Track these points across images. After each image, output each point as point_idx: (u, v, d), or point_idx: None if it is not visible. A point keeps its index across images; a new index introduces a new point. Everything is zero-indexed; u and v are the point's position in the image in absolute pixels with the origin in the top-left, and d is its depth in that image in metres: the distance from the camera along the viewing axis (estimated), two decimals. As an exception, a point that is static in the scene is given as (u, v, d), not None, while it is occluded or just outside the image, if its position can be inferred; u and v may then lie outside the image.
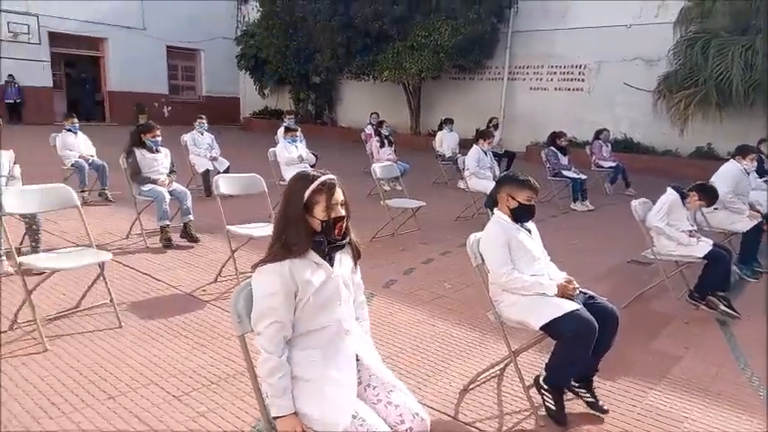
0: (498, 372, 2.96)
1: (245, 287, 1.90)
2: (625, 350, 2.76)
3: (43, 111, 16.59)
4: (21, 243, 4.54)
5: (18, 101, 16.47)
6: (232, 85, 21.15)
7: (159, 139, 5.51)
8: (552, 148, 8.45)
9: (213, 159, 7.93)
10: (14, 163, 4.62)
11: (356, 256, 2.04)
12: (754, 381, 3.21)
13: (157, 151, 5.51)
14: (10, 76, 16.20)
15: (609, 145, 9.90)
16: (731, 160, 5.48)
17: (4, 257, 4.22)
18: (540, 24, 14.19)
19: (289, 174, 6.34)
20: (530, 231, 2.82)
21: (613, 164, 9.52)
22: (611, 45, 13.07)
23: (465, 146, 8.75)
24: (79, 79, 19.39)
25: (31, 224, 4.40)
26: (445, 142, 10.04)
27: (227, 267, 4.40)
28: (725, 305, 4.17)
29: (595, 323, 2.48)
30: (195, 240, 5.42)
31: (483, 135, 7.34)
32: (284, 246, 1.84)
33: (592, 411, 2.73)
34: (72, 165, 7.15)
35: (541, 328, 2.58)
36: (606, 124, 11.11)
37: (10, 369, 2.90)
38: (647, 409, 2.83)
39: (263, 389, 1.86)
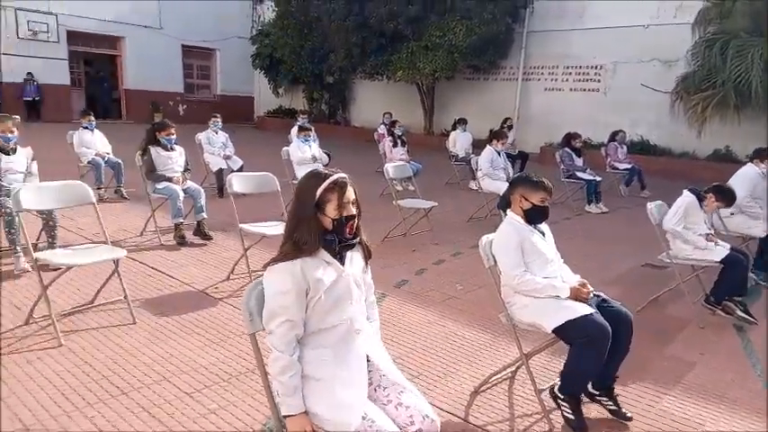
0: (510, 374, 2.94)
1: (257, 285, 1.90)
2: (639, 355, 2.72)
3: (61, 108, 16.82)
4: (37, 239, 4.61)
5: (37, 98, 16.71)
6: (246, 84, 21.27)
7: (174, 137, 5.56)
8: (567, 149, 8.37)
9: (227, 158, 7.98)
10: (32, 160, 4.69)
11: (367, 255, 2.04)
12: (772, 388, 3.16)
13: (172, 149, 5.56)
14: (29, 74, 16.45)
15: (625, 147, 9.80)
16: (749, 163, 5.40)
17: (21, 254, 4.29)
18: (556, 24, 14.09)
19: (301, 173, 6.36)
20: (543, 233, 2.79)
21: (629, 166, 9.41)
22: (628, 45, 12.93)
23: (478, 146, 8.71)
24: (97, 77, 19.64)
25: (48, 220, 4.46)
26: (458, 142, 10.00)
27: (239, 265, 4.42)
28: (741, 310, 4.10)
29: (609, 328, 2.45)
30: (208, 238, 5.46)
31: (496, 135, 7.30)
32: (295, 244, 1.84)
33: (612, 418, 2.68)
34: (88, 162, 7.25)
35: (554, 331, 2.55)
36: (622, 126, 11.00)
37: (25, 363, 2.94)
38: (661, 415, 2.80)
39: (274, 387, 1.86)
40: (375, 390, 1.92)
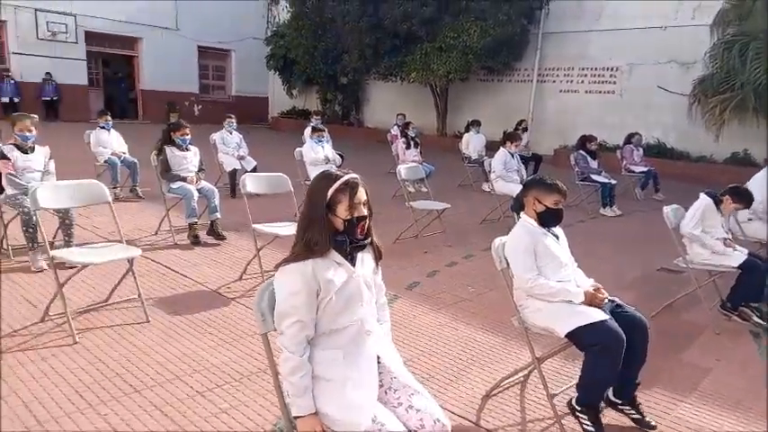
0: (522, 378, 2.91)
1: (269, 286, 1.91)
2: (654, 361, 2.69)
3: (79, 108, 17.03)
4: (54, 237, 4.67)
5: (55, 98, 16.95)
6: (261, 84, 21.38)
7: (188, 137, 5.60)
8: (581, 151, 8.30)
9: (241, 158, 8.03)
10: (50, 159, 4.76)
11: (378, 256, 2.03)
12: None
13: (187, 149, 5.61)
14: (47, 74, 16.69)
15: (641, 149, 9.68)
16: (766, 167, 5.31)
17: (38, 251, 4.34)
18: (572, 26, 13.99)
19: (314, 173, 6.31)
20: (557, 236, 2.76)
21: (645, 169, 9.29)
22: (645, 47, 12.80)
23: (492, 148, 8.66)
24: (115, 78, 19.88)
25: (65, 219, 4.52)
26: (471, 144, 9.96)
27: (252, 265, 4.45)
28: (758, 317, 4.04)
29: (623, 335, 2.41)
30: (222, 238, 5.50)
31: (510, 137, 7.26)
32: (306, 245, 1.84)
33: (635, 427, 2.65)
34: (105, 161, 7.33)
35: (567, 336, 2.52)
36: (638, 128, 10.86)
37: (40, 360, 2.98)
38: (676, 422, 2.76)
39: (285, 388, 1.87)
40: (386, 392, 1.91)
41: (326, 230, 1.85)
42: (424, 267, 5.09)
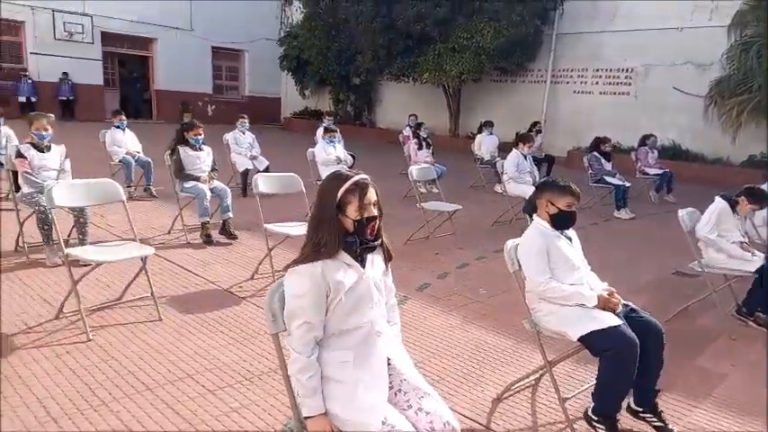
0: (533, 382, 2.89)
1: (280, 286, 1.91)
2: (668, 366, 2.65)
3: (95, 108, 17.23)
4: (69, 235, 4.72)
5: (71, 98, 17.16)
6: (274, 85, 21.47)
7: (202, 137, 5.64)
8: (595, 153, 8.24)
9: (253, 158, 8.07)
10: (65, 158, 4.81)
11: (388, 258, 2.03)
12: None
13: (200, 149, 5.64)
14: (64, 73, 16.91)
15: (656, 151, 9.58)
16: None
17: (54, 247, 4.40)
18: (586, 27, 13.89)
19: (326, 174, 6.35)
20: (570, 239, 2.74)
21: (660, 171, 9.19)
22: (661, 48, 12.66)
23: (505, 149, 8.62)
24: (130, 78, 20.08)
25: (80, 217, 4.56)
26: (484, 145, 9.92)
27: (263, 265, 4.46)
28: (776, 322, 3.97)
29: (636, 340, 2.38)
30: (233, 237, 5.52)
31: (523, 139, 7.21)
32: (316, 246, 1.85)
33: None
34: (119, 161, 7.41)
35: (579, 340, 2.49)
36: (653, 130, 10.73)
37: (54, 357, 3.01)
38: (690, 428, 2.72)
39: (294, 388, 1.87)
40: (395, 394, 1.91)
41: (336, 231, 1.85)
42: (435, 269, 5.07)
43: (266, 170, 7.61)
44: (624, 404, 2.57)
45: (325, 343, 1.88)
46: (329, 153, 7.06)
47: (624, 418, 2.63)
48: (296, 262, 1.86)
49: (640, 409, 2.62)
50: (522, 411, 2.79)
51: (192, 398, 2.71)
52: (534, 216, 2.77)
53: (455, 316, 4.00)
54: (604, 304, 2.54)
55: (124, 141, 7.61)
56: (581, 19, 13.92)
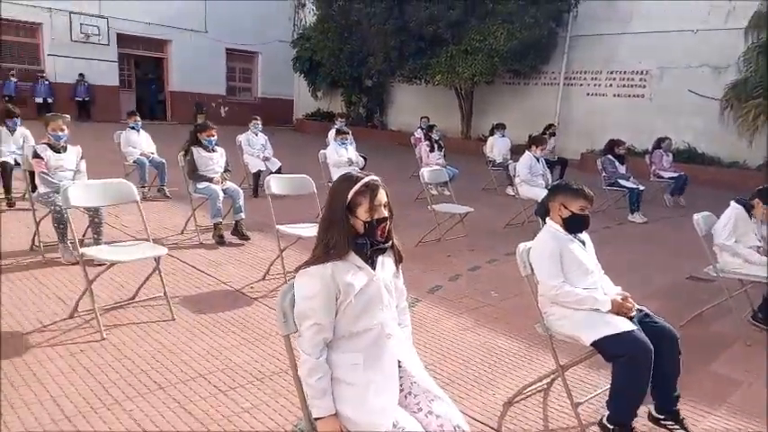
0: (545, 386, 2.87)
1: (292, 288, 1.91)
2: (682, 372, 2.62)
3: (110, 109, 17.44)
4: (84, 235, 4.78)
5: (87, 99, 17.37)
6: (286, 86, 21.59)
7: (215, 138, 5.68)
8: (609, 156, 8.17)
9: (266, 160, 8.11)
10: (81, 158, 4.87)
11: (398, 260, 2.03)
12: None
13: (213, 150, 5.68)
14: (80, 75, 17.13)
15: (670, 155, 9.47)
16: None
17: (69, 246, 4.45)
18: (600, 29, 13.79)
19: (337, 175, 6.39)
20: (583, 243, 2.71)
21: (674, 174, 9.09)
22: (676, 51, 12.55)
23: (517, 152, 8.59)
24: (145, 79, 20.30)
25: (94, 217, 4.61)
26: (496, 148, 9.88)
27: (275, 266, 4.48)
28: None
29: (651, 346, 2.34)
30: (246, 238, 5.55)
31: (535, 141, 7.17)
32: (326, 247, 1.85)
33: None
34: (134, 161, 7.48)
35: (592, 345, 2.47)
36: (668, 133, 10.61)
37: (68, 356, 3.05)
38: (704, 436, 2.69)
39: (305, 389, 1.87)
40: (405, 397, 1.90)
41: (346, 232, 1.85)
42: (447, 271, 5.06)
43: (278, 171, 7.64)
44: (641, 411, 2.54)
45: (336, 345, 1.88)
46: (341, 155, 7.08)
47: (646, 427, 2.60)
48: (307, 263, 1.87)
49: (662, 417, 2.58)
50: (534, 416, 2.77)
51: (204, 397, 2.73)
52: (547, 219, 2.74)
53: (466, 319, 3.98)
54: (618, 309, 2.51)
55: (139, 142, 7.68)
56: (595, 21, 13.84)
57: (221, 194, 5.47)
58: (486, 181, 9.57)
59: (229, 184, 5.66)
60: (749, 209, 4.07)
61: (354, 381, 1.83)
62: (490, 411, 2.78)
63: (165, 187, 7.53)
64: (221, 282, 4.41)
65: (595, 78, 14.32)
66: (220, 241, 5.41)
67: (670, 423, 2.57)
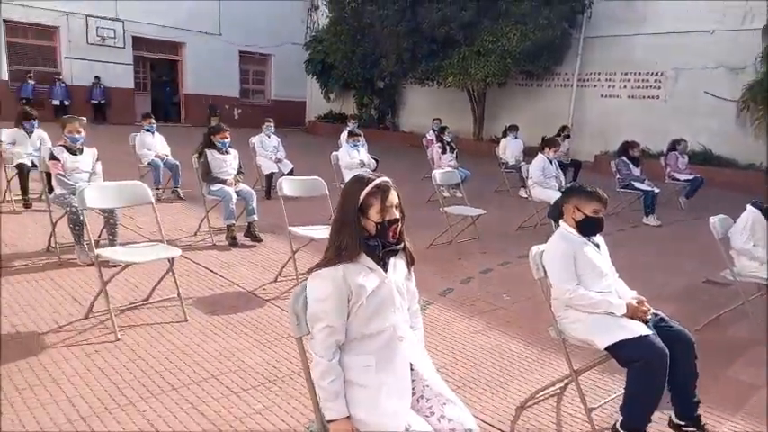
0: (558, 390, 2.84)
1: (304, 290, 1.91)
2: (699, 377, 2.58)
3: (126, 111, 17.64)
4: (99, 236, 4.82)
5: (103, 101, 17.58)
6: (299, 89, 21.69)
7: (228, 140, 5.72)
8: (623, 158, 8.09)
9: (278, 161, 8.15)
10: (97, 160, 4.93)
11: (410, 262, 2.02)
12: None
13: (227, 152, 5.72)
14: (96, 77, 17.34)
15: (686, 157, 9.35)
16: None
17: (85, 247, 4.50)
18: (614, 30, 13.68)
19: (349, 177, 6.40)
20: (597, 246, 2.69)
21: (690, 176, 8.97)
22: (692, 52, 12.41)
23: (530, 154, 8.53)
24: (160, 82, 20.51)
25: (110, 219, 4.66)
26: (509, 149, 9.83)
27: (287, 267, 4.49)
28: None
29: (666, 351, 2.31)
30: (258, 240, 5.58)
31: (549, 143, 7.13)
32: (337, 249, 1.85)
33: None
34: (148, 163, 7.55)
35: (607, 349, 2.44)
36: (683, 135, 10.50)
37: (83, 356, 3.08)
38: (721, 442, 2.65)
39: (317, 392, 1.87)
40: (418, 400, 1.89)
41: (357, 234, 1.85)
42: (458, 274, 5.04)
43: (291, 173, 7.67)
44: (660, 417, 2.50)
45: (348, 347, 1.88)
46: (353, 157, 7.09)
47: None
48: (318, 266, 1.87)
49: (682, 423, 2.54)
50: (547, 420, 2.75)
51: (217, 398, 2.74)
52: (560, 222, 2.73)
53: (478, 321, 3.96)
54: (633, 313, 2.48)
55: (153, 144, 7.75)
56: (609, 22, 13.73)
57: (234, 196, 5.50)
58: (499, 183, 9.53)
59: (242, 186, 5.70)
60: (765, 212, 4.01)
61: (367, 383, 1.83)
62: (502, 415, 2.77)
63: (179, 189, 7.59)
64: (234, 283, 4.44)
65: (609, 80, 14.21)
66: (233, 243, 5.44)
67: (691, 429, 2.53)
